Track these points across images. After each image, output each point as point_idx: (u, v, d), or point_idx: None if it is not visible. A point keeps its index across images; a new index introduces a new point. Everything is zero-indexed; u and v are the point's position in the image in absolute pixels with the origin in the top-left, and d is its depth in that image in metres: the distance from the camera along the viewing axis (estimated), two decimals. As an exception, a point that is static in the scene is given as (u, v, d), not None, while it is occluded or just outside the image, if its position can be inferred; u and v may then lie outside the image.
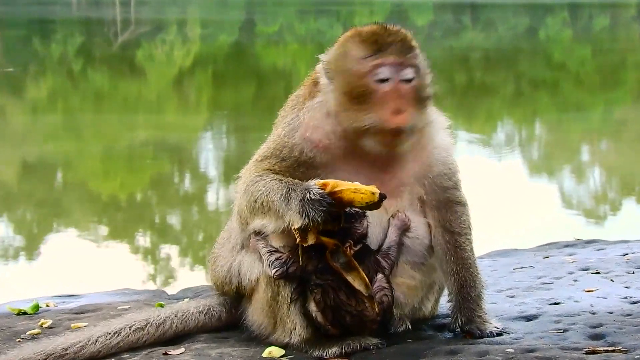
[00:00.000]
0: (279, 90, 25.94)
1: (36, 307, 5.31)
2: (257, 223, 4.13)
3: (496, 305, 4.83)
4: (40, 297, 5.78)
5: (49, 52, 38.34)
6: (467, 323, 4.26)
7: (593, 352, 3.94)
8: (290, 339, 4.16)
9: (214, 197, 14.28)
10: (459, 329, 4.29)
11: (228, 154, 17.36)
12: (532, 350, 3.98)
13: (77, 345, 4.22)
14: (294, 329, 4.13)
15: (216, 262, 4.52)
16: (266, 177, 4.12)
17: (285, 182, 4.03)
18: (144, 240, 11.35)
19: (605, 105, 23.16)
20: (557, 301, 4.93)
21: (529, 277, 5.77)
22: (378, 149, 4.04)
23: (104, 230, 11.79)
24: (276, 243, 4.16)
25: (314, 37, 46.13)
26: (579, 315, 4.51)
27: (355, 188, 3.89)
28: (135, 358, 4.23)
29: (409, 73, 3.99)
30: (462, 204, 4.29)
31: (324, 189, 3.92)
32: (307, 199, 3.88)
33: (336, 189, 3.91)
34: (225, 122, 21.46)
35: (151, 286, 8.83)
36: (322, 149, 4.13)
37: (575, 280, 5.53)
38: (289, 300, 4.10)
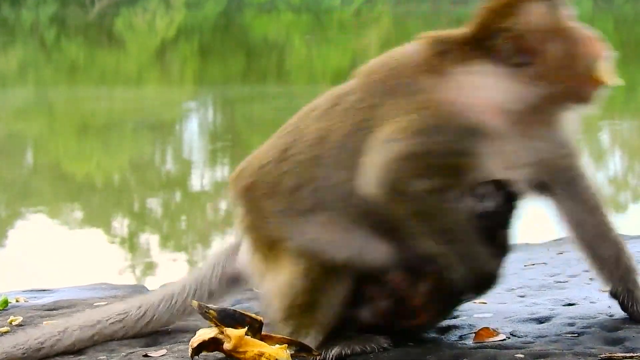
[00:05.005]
0: (270, 63, 25.90)
1: (5, 303, 5.31)
2: None
3: (505, 306, 4.84)
4: (10, 291, 5.79)
5: (20, 20, 38.24)
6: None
7: (609, 359, 3.97)
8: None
9: (199, 180, 14.30)
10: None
11: (214, 133, 17.36)
12: (543, 356, 4.00)
13: (52, 339, 4.27)
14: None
15: None
16: None
17: None
18: (121, 228, 11.37)
19: (628, 81, 23.15)
20: (571, 302, 4.94)
21: (542, 274, 5.78)
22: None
23: (78, 216, 11.80)
24: None
25: (310, 6, 46.03)
26: (595, 317, 4.53)
27: (259, 351, 3.86)
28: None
29: None
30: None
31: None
32: None
33: (239, 350, 3.88)
34: (212, 97, 21.43)
35: (130, 280, 8.87)
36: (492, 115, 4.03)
37: (591, 279, 5.53)
38: None
